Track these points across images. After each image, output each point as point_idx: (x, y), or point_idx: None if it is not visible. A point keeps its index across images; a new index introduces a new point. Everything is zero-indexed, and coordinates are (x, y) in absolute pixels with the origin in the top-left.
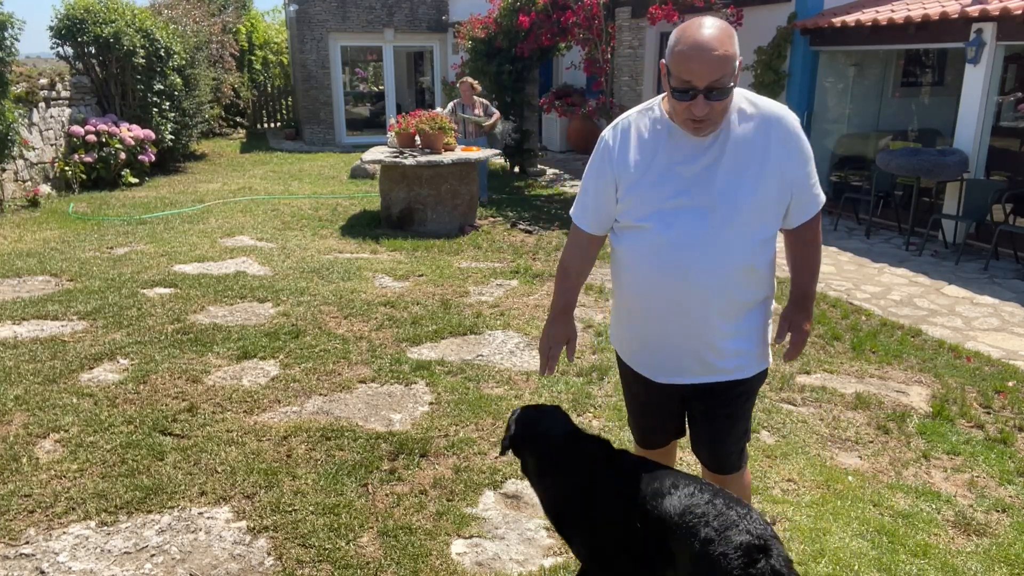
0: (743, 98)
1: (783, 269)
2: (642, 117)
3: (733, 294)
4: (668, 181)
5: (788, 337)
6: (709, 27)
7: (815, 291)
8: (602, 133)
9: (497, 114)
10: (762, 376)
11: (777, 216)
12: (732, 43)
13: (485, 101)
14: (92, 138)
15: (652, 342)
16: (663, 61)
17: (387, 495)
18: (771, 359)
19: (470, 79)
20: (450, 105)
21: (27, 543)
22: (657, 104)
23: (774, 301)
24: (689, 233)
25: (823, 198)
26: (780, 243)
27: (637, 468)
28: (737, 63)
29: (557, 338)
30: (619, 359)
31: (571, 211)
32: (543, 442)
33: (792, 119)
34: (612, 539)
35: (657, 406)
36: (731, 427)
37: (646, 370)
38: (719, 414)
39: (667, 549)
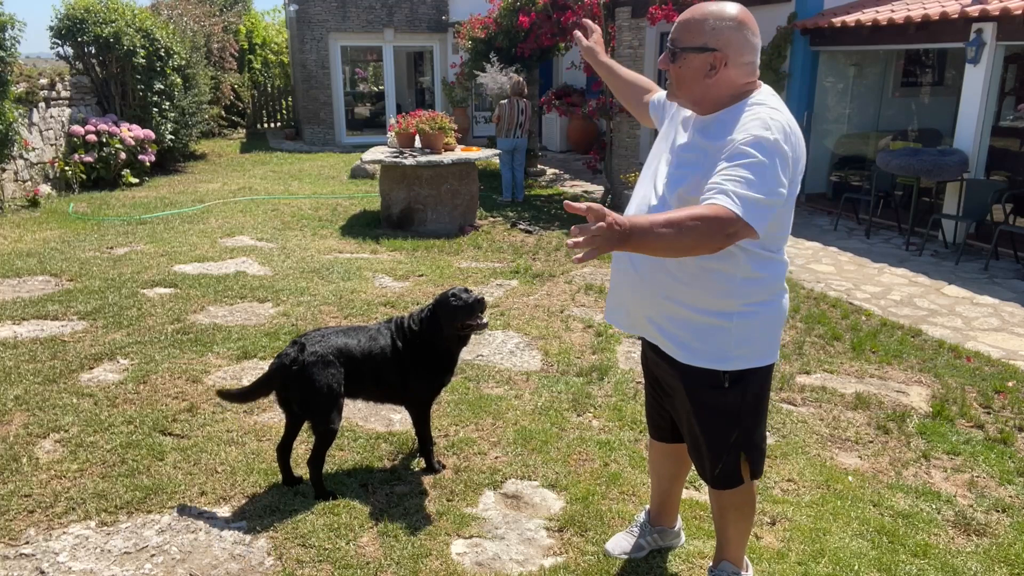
0: (758, 109)
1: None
2: None
3: (668, 282)
4: (657, 146)
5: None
6: (720, 4)
7: (654, 229)
8: None
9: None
10: (704, 377)
11: None
12: (711, 28)
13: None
14: (92, 138)
15: (615, 290)
16: None
17: (387, 495)
18: (721, 368)
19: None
20: (516, 103)
21: (27, 543)
22: None
23: (754, 316)
24: (641, 200)
25: (727, 199)
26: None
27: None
28: (706, 50)
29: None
30: None
31: None
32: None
33: (761, 130)
34: None
35: (648, 379)
36: (691, 420)
37: (609, 315)
38: (675, 402)
39: None
